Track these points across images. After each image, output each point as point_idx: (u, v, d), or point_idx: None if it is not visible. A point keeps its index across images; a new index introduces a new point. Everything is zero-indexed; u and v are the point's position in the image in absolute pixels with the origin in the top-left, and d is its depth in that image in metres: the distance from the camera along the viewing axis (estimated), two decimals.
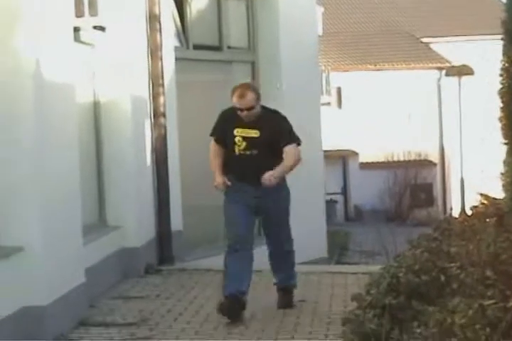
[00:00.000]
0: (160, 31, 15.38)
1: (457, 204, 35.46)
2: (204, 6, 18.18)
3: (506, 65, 9.97)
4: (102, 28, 13.26)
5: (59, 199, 10.64)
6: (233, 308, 10.76)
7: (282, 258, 11.77)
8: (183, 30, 17.34)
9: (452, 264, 8.81)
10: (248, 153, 11.02)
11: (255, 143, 10.95)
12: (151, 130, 15.22)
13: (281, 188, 11.31)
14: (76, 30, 12.34)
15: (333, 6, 31.36)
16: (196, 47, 17.73)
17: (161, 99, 15.28)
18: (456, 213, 13.85)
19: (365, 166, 41.14)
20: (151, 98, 15.23)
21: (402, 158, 41.12)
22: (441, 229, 11.72)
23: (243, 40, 18.93)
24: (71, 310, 10.81)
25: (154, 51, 15.26)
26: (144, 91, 15.10)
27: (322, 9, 20.37)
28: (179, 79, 16.21)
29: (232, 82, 18.51)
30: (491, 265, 8.01)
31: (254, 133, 10.87)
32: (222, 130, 11.26)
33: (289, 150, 10.92)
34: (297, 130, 18.84)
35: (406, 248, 10.89)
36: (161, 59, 15.37)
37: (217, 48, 18.45)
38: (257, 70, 18.92)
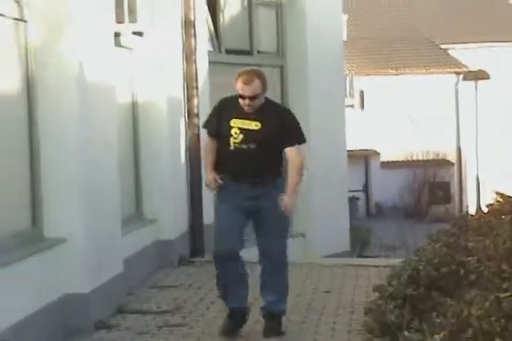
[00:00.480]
0: (194, 36, 15.43)
1: (473, 202, 35.35)
2: (236, 13, 18.21)
3: None
4: (140, 34, 13.33)
5: (100, 194, 10.73)
6: (236, 321, 9.57)
7: (273, 275, 9.53)
8: (216, 36, 17.39)
9: (470, 258, 8.86)
10: (245, 147, 9.05)
11: (254, 136, 9.00)
12: (186, 129, 15.28)
13: (281, 189, 9.14)
14: (116, 35, 12.40)
15: (357, 12, 31.34)
16: (228, 51, 17.78)
17: (195, 101, 15.34)
18: (472, 210, 13.91)
19: (386, 165, 41.02)
20: (186, 99, 15.28)
21: (421, 158, 41.01)
22: (459, 225, 11.77)
23: (272, 46, 18.97)
24: (110, 298, 10.90)
25: (189, 55, 15.31)
26: (179, 93, 15.15)
27: (346, 16, 20.28)
28: (212, 81, 16.26)
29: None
30: (507, 259, 8.06)
31: (254, 126, 8.97)
32: (217, 121, 9.34)
33: (293, 155, 9.09)
34: (323, 130, 19.01)
35: (425, 242, 10.94)
36: (195, 62, 15.42)
37: (247, 53, 18.48)
38: (285, 74, 18.94)
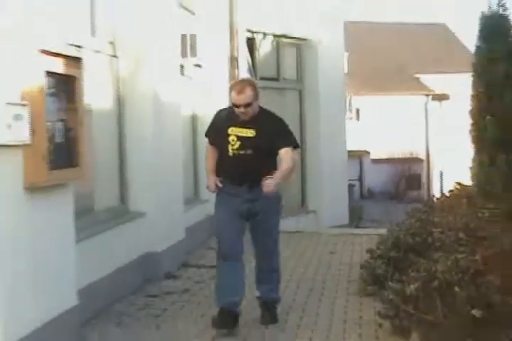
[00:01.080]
0: (237, 68, 15.42)
1: (438, 189, 35.38)
2: (267, 50, 18.19)
3: (474, 93, 10.02)
4: (198, 66, 13.32)
5: (169, 182, 10.79)
6: (225, 321, 7.67)
7: (267, 272, 8.16)
8: (253, 67, 17.36)
9: (436, 229, 8.87)
10: (242, 152, 7.62)
11: (250, 142, 7.59)
12: None
13: (272, 195, 7.68)
14: (181, 67, 12.43)
15: (357, 49, 31.29)
16: (262, 78, 17.71)
17: None
18: (437, 195, 13.86)
19: (375, 161, 41.15)
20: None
21: (400, 156, 41.11)
22: (428, 205, 11.78)
23: (293, 74, 18.93)
24: (176, 256, 10.94)
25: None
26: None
27: (347, 53, 20.36)
28: None
29: (286, 103, 18.65)
30: (463, 230, 8.05)
31: (249, 133, 7.57)
32: (217, 129, 7.94)
33: (283, 154, 7.60)
34: (329, 136, 19.13)
35: (404, 218, 10.95)
36: None
37: (275, 79, 18.44)
38: (302, 95, 18.91)
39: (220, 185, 7.81)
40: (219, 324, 7.58)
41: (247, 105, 7.51)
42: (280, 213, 8.26)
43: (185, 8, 13.01)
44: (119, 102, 10.17)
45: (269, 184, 7.44)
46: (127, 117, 10.24)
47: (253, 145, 7.55)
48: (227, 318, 7.63)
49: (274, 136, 7.60)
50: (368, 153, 40.08)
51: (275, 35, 18.05)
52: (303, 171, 18.72)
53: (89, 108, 8.50)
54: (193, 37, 12.87)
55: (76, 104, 7.07)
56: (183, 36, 12.60)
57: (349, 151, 21.51)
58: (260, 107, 7.84)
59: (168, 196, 10.84)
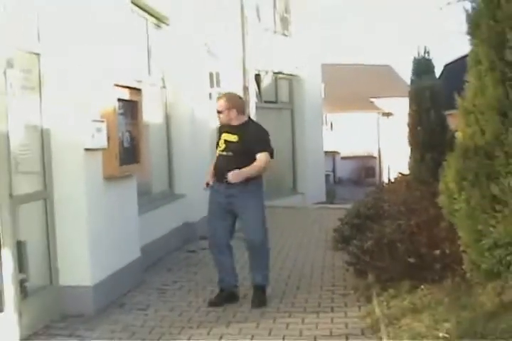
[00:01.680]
0: (248, 94, 15.44)
1: (386, 177, 35.37)
2: (269, 82, 18.18)
3: (410, 111, 10.15)
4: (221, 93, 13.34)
5: (201, 171, 10.76)
6: (216, 299, 6.72)
7: (256, 256, 6.83)
8: (259, 93, 17.38)
9: (385, 204, 8.96)
10: (225, 153, 6.70)
11: (232, 146, 6.64)
12: None
13: (249, 189, 6.58)
14: (209, 94, 12.47)
15: (329, 81, 31.26)
16: (265, 101, 17.73)
17: None
18: (386, 181, 13.93)
19: (343, 158, 41.06)
20: None
21: (360, 154, 41.09)
22: (379, 188, 11.85)
23: (287, 98, 18.91)
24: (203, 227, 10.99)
25: (246, 104, 15.33)
26: None
27: (323, 84, 20.49)
28: (257, 117, 16.28)
29: (282, 118, 18.69)
30: (403, 204, 8.13)
31: (233, 138, 6.65)
32: (218, 136, 6.94)
33: (259, 157, 6.55)
34: (312, 141, 19.27)
35: (363, 197, 11.02)
36: (249, 107, 15.43)
37: (274, 102, 18.45)
38: (293, 113, 18.89)
39: (211, 183, 6.77)
40: (211, 301, 6.62)
41: (219, 111, 6.71)
42: (260, 206, 6.76)
43: (212, 54, 13.07)
44: (167, 119, 10.25)
45: (234, 173, 6.41)
46: (172, 129, 10.31)
47: (234, 148, 6.60)
48: (226, 294, 6.72)
49: (253, 142, 6.58)
50: (339, 153, 40.05)
51: (274, 72, 18.06)
52: (294, 164, 18.81)
53: (147, 123, 8.59)
54: (218, 73, 12.92)
55: (138, 120, 7.19)
56: (211, 73, 12.67)
57: (325, 151, 21.53)
58: (250, 119, 7.01)
59: (201, 182, 10.85)
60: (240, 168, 6.45)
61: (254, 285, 6.75)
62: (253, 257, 6.78)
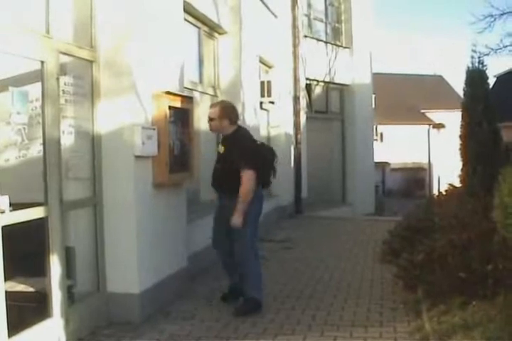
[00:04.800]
0: (299, 104, 15.42)
1: (436, 189, 35.02)
2: (319, 92, 18.15)
3: (462, 123, 9.98)
4: (272, 102, 13.34)
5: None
6: (230, 297, 6.85)
7: (240, 270, 6.64)
8: (310, 104, 17.34)
9: (436, 217, 8.78)
10: (216, 165, 6.65)
11: (221, 157, 6.57)
12: (295, 150, 15.24)
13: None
14: (261, 103, 12.47)
15: (380, 92, 30.99)
16: (316, 111, 17.72)
17: (299, 136, 15.31)
18: (436, 193, 13.72)
19: (393, 170, 40.79)
20: (295, 135, 15.26)
21: (410, 166, 40.75)
22: (430, 201, 11.66)
23: (338, 109, 18.85)
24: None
25: (297, 113, 15.29)
26: (291, 131, 15.14)
27: (374, 95, 20.34)
28: (307, 126, 16.23)
29: (333, 129, 18.60)
30: (455, 218, 7.97)
31: (221, 149, 6.54)
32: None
33: (243, 179, 6.27)
34: (363, 152, 19.15)
35: (413, 209, 10.85)
36: (300, 117, 15.40)
37: (325, 112, 18.40)
38: (344, 123, 18.84)
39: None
40: (223, 297, 6.92)
41: (210, 119, 6.53)
42: (248, 220, 6.38)
43: (264, 63, 13.06)
44: None
45: (235, 219, 6.26)
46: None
47: (221, 160, 6.54)
48: (231, 293, 6.89)
49: (235, 154, 6.34)
50: (389, 164, 39.74)
51: (325, 82, 18.02)
52: (344, 175, 18.72)
53: (198, 131, 8.57)
54: (269, 82, 12.93)
55: (189, 128, 7.14)
56: (262, 82, 12.66)
57: (375, 162, 21.41)
58: (238, 129, 6.60)
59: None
60: (226, 181, 6.45)
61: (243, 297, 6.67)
62: (239, 269, 6.66)
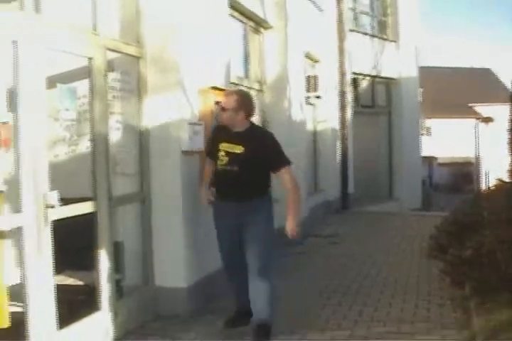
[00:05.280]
0: (346, 98, 15.34)
1: (484, 183, 34.58)
2: (366, 86, 18.02)
3: (511, 117, 9.84)
4: (318, 97, 13.25)
5: (297, 175, 10.75)
6: (236, 322, 5.82)
7: (254, 284, 5.54)
8: (356, 98, 17.23)
9: (484, 212, 8.68)
10: (228, 168, 5.45)
11: (237, 159, 5.42)
12: (341, 144, 15.16)
13: (261, 209, 5.51)
14: (307, 98, 12.43)
15: (427, 86, 30.59)
16: (362, 106, 17.59)
17: (346, 131, 15.22)
18: (484, 188, 13.53)
19: (440, 164, 40.37)
20: (341, 130, 15.18)
21: (458, 161, 40.27)
22: (478, 195, 11.52)
23: (384, 103, 18.69)
24: (303, 227, 10.84)
25: (343, 108, 15.19)
26: (337, 126, 15.08)
27: (421, 89, 20.11)
28: (353, 121, 16.14)
29: (379, 123, 18.47)
30: (504, 212, 7.85)
31: (238, 149, 5.42)
32: (212, 142, 5.73)
33: (286, 181, 5.46)
34: (410, 146, 19.05)
35: (460, 204, 10.75)
36: (346, 111, 15.32)
37: (371, 106, 18.27)
38: (391, 117, 18.64)
39: (212, 198, 5.72)
40: (229, 324, 5.86)
41: (224, 109, 5.49)
42: (270, 229, 5.61)
43: (310, 58, 13.01)
44: (264, 122, 10.20)
45: (291, 226, 5.42)
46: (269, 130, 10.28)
47: (240, 162, 5.41)
48: (237, 318, 5.86)
49: (262, 153, 5.38)
50: (436, 158, 39.33)
51: (371, 76, 17.89)
52: (390, 170, 18.58)
53: None
54: (315, 77, 12.87)
55: None
56: (308, 77, 12.61)
57: (422, 157, 21.21)
58: (252, 124, 5.66)
59: (300, 182, 10.79)
60: (252, 184, 5.44)
61: (253, 321, 5.64)
62: (253, 285, 5.54)
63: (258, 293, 5.52)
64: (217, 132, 5.73)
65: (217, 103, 6.53)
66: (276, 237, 5.64)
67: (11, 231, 4.51)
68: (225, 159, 5.47)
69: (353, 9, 17.45)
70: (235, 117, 5.48)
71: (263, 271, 5.51)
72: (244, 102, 5.55)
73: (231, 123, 5.53)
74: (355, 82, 17.22)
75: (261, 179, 5.51)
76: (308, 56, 12.64)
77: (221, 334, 5.67)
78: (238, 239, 5.55)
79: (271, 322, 5.56)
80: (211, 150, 5.67)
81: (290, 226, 5.43)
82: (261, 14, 9.59)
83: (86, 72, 5.18)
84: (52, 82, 4.72)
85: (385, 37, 18.58)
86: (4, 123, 4.51)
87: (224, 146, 5.50)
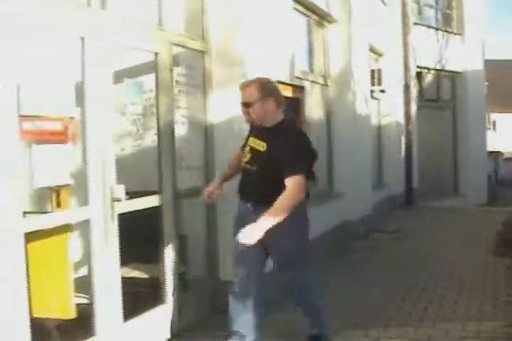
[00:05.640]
0: (410, 92, 15.19)
1: None
2: (430, 80, 17.78)
3: None
4: (383, 91, 13.12)
5: (361, 170, 10.69)
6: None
7: (301, 304, 4.95)
8: (421, 92, 17.03)
9: None
10: (248, 167, 4.64)
11: (258, 157, 4.55)
12: (406, 139, 15.02)
13: (285, 222, 4.24)
14: (371, 92, 12.32)
15: (494, 79, 30.07)
16: (427, 100, 17.38)
17: (410, 125, 15.07)
18: None
19: (506, 159, 39.56)
20: (406, 124, 15.04)
21: None
22: None
23: (449, 96, 18.40)
24: (367, 222, 10.77)
25: (407, 102, 15.06)
26: (401, 120, 14.93)
27: (486, 83, 19.76)
28: (418, 115, 15.95)
29: (444, 117, 18.20)
30: None
31: (261, 146, 4.54)
32: (247, 135, 4.83)
33: (287, 187, 4.28)
34: (476, 141, 18.71)
35: None
36: (410, 106, 15.16)
37: (436, 100, 18.02)
38: (455, 112, 18.36)
39: (214, 197, 4.99)
40: None
41: (247, 105, 4.54)
42: (298, 237, 4.64)
43: (374, 51, 12.89)
44: (328, 116, 10.17)
45: (246, 230, 4.21)
46: (333, 126, 10.22)
47: (260, 162, 4.53)
48: None
49: (278, 153, 4.39)
50: (502, 153, 38.60)
51: (435, 69, 17.64)
52: (455, 165, 18.33)
53: (309, 120, 8.52)
54: (379, 71, 12.74)
55: (300, 118, 7.13)
56: (372, 70, 12.50)
57: (488, 152, 20.85)
58: (283, 119, 4.63)
59: (361, 181, 10.73)
60: (268, 188, 4.40)
61: (306, 334, 5.08)
62: (297, 303, 4.95)
63: (306, 309, 5.00)
64: (252, 125, 4.81)
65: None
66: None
67: (77, 224, 4.56)
68: (248, 156, 4.67)
69: (417, 2, 17.24)
70: (265, 108, 4.54)
71: (303, 288, 4.82)
72: (269, 88, 4.62)
73: (261, 117, 4.58)
74: (419, 76, 17.01)
75: (279, 184, 4.31)
76: (372, 49, 12.52)
77: (281, 331, 5.62)
78: (258, 252, 4.61)
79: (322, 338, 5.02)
80: (244, 143, 4.84)
81: (247, 231, 4.23)
82: (325, 8, 9.53)
83: (152, 67, 5.21)
84: (119, 76, 4.76)
85: (449, 30, 18.28)
86: (71, 118, 4.55)
87: (251, 141, 4.70)
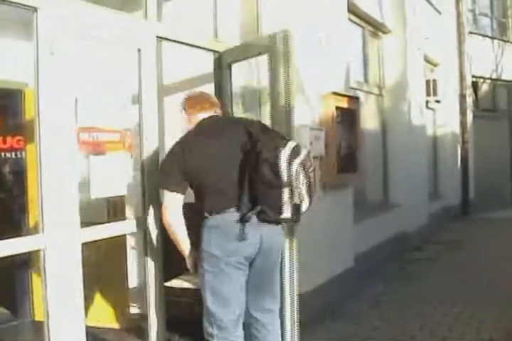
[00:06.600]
0: (466, 102, 14.97)
1: None
2: (486, 89, 17.52)
3: None
4: (438, 101, 12.95)
5: (417, 182, 10.57)
6: None
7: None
8: (476, 101, 16.79)
9: None
10: None
11: None
12: (462, 149, 14.81)
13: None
14: (426, 102, 12.19)
15: None
16: (483, 109, 17.13)
17: (466, 135, 14.85)
18: None
19: None
20: (461, 134, 14.84)
21: None
22: None
23: (506, 106, 18.11)
24: (423, 234, 10.68)
25: (463, 112, 14.86)
26: (457, 130, 14.74)
27: None
28: (474, 126, 15.72)
29: (501, 128, 17.88)
30: None
31: None
32: None
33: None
34: None
35: None
36: (466, 115, 14.93)
37: (492, 110, 17.76)
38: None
39: None
40: None
41: None
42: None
43: (429, 61, 12.75)
44: (383, 127, 10.08)
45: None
46: (388, 137, 10.12)
47: None
48: None
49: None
50: None
51: (491, 79, 17.38)
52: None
53: (364, 131, 8.44)
54: (435, 81, 12.59)
55: (355, 128, 7.07)
56: (427, 80, 12.36)
57: None
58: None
59: (417, 192, 10.60)
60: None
61: None
62: None
63: None
64: None
65: (337, 108, 6.47)
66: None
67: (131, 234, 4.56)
68: None
69: (472, 11, 17.02)
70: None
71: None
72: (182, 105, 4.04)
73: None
74: (475, 86, 16.77)
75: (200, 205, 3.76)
76: (427, 59, 12.39)
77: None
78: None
79: None
80: None
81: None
82: (379, 18, 9.46)
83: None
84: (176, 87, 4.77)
85: (505, 39, 18.01)
86: (127, 130, 4.57)
87: None
